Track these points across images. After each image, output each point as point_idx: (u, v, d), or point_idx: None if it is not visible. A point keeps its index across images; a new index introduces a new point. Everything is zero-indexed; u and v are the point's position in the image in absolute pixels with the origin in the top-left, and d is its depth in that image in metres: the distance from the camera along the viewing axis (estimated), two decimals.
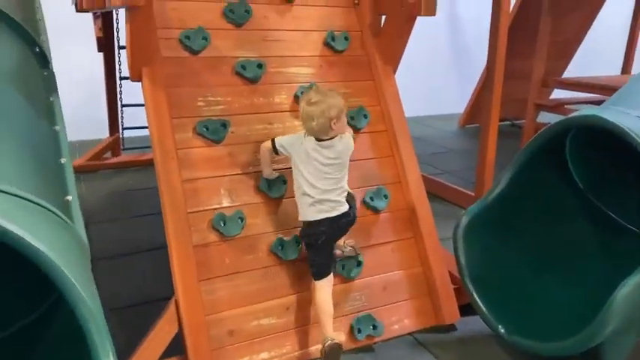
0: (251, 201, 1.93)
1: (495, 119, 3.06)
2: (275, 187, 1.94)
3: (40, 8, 2.15)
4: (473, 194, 3.32)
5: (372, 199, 2.07)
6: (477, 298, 1.97)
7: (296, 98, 2.10)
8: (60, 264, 0.95)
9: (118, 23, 3.38)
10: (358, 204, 2.05)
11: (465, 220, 2.04)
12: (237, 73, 2.03)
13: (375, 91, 2.28)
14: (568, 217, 2.14)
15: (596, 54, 6.28)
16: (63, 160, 1.48)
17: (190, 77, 1.96)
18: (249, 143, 1.99)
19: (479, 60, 5.87)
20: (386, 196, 2.11)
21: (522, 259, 2.06)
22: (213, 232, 1.82)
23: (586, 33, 5.51)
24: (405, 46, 2.25)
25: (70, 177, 1.44)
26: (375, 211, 2.08)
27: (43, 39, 1.87)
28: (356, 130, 2.16)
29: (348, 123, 2.14)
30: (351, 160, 2.11)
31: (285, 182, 1.95)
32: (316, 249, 1.82)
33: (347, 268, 1.95)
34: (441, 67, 6.26)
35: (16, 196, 1.07)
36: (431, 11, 2.04)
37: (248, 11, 2.10)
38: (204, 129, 1.91)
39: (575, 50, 5.64)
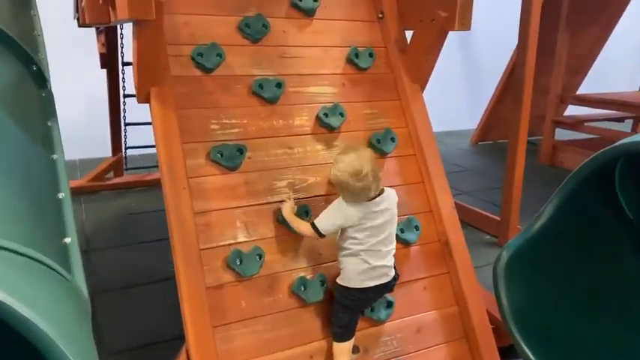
0: (269, 235, 1.73)
1: (523, 145, 2.93)
2: None
3: (39, 22, 1.97)
4: (498, 218, 3.14)
5: (402, 230, 1.88)
6: (522, 343, 1.76)
7: (318, 120, 1.92)
8: (57, 341, 0.76)
9: (122, 39, 3.22)
10: None
11: (505, 255, 1.83)
12: (254, 93, 1.86)
13: (402, 111, 2.10)
14: (619, 249, 1.94)
15: (609, 69, 6.15)
16: (61, 195, 1.29)
17: (203, 98, 1.79)
18: (268, 170, 1.81)
19: (490, 76, 5.75)
20: (417, 227, 1.92)
21: (571, 297, 1.86)
22: (228, 272, 1.62)
23: (601, 48, 5.37)
24: (434, 63, 2.08)
25: (69, 214, 1.25)
26: (406, 244, 1.89)
27: (41, 56, 1.69)
28: (383, 155, 1.98)
29: (374, 147, 1.97)
30: None
31: (307, 213, 1.76)
32: (354, 312, 1.67)
33: (376, 310, 1.75)
34: (451, 82, 6.11)
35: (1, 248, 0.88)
36: (466, 25, 1.87)
37: (265, 26, 1.92)
38: (219, 155, 1.73)
39: (590, 65, 5.49)
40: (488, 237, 3.22)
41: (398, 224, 1.88)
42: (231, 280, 1.62)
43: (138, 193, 3.83)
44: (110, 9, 1.68)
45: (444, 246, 1.95)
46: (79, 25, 2.72)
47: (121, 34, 3.22)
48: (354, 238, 1.61)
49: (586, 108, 5.00)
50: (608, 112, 5.02)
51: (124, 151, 3.72)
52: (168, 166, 1.64)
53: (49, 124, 1.49)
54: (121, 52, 3.29)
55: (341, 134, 1.95)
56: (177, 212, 1.61)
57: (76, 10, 2.58)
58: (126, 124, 3.58)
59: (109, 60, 3.49)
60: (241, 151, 1.77)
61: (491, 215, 3.24)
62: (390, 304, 1.78)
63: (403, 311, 1.81)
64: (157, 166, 3.71)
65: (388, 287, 1.69)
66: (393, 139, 2.01)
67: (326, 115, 1.92)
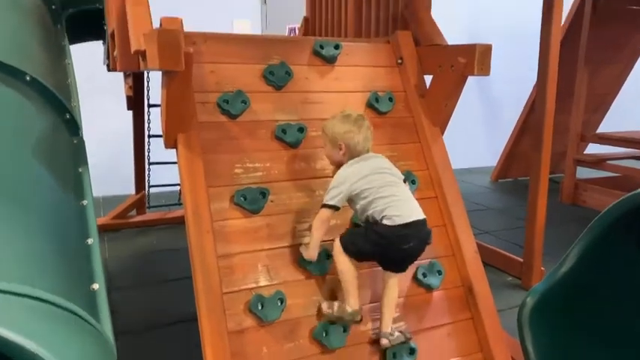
0: (291, 278, 1.74)
1: (544, 186, 2.92)
2: (318, 263, 1.75)
3: (72, 70, 2.07)
4: (521, 260, 3.08)
5: (424, 275, 1.87)
6: None
7: None
8: None
9: (148, 82, 3.33)
10: (409, 281, 1.85)
11: (530, 301, 1.79)
12: (277, 138, 1.90)
13: (422, 154, 2.12)
14: None
15: (630, 106, 6.12)
16: (90, 241, 1.32)
17: (228, 143, 1.83)
18: (289, 213, 1.83)
19: (508, 111, 5.77)
20: (440, 272, 1.90)
21: (601, 345, 1.80)
22: (250, 316, 1.62)
23: (622, 85, 5.36)
24: (454, 107, 2.10)
25: (97, 260, 1.28)
26: (429, 288, 1.87)
27: (74, 104, 1.77)
28: None
29: None
30: None
31: (328, 257, 1.77)
32: (376, 252, 1.65)
33: (399, 357, 1.72)
34: (469, 119, 6.14)
35: (27, 296, 0.90)
36: (485, 70, 1.90)
37: (289, 73, 1.98)
38: (242, 198, 1.76)
39: (610, 103, 5.48)
40: (510, 278, 3.16)
41: (419, 268, 1.88)
42: (253, 325, 1.62)
43: (160, 231, 3.88)
44: (140, 58, 1.74)
45: (467, 291, 1.92)
46: (109, 70, 2.83)
47: (148, 77, 3.34)
48: (368, 194, 1.62)
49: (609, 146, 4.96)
50: (630, 151, 4.97)
51: (147, 189, 3.80)
52: (194, 210, 1.66)
53: (80, 170, 1.54)
54: (147, 95, 3.40)
55: None
56: (201, 256, 1.63)
57: (107, 56, 2.69)
58: (150, 163, 3.66)
59: (136, 102, 3.60)
60: (264, 194, 1.79)
61: (513, 256, 3.19)
62: (412, 351, 1.75)
63: (427, 358, 1.78)
64: (178, 204, 3.78)
65: (424, 237, 1.66)
66: (414, 182, 2.02)
67: None
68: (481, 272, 1.95)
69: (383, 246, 1.62)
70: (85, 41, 2.92)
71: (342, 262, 1.65)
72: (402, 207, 1.62)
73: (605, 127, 5.46)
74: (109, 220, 3.86)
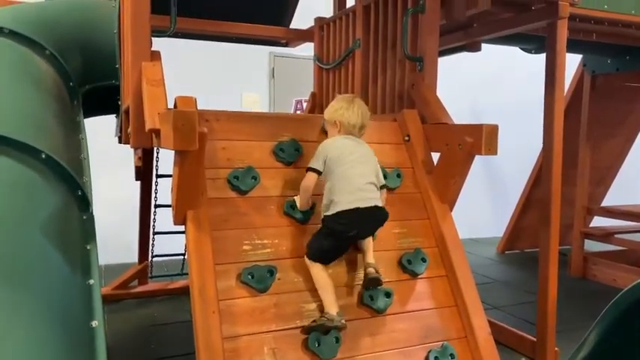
0: None
1: (554, 262, 2.89)
2: (327, 347, 1.69)
3: (86, 145, 2.11)
4: (533, 339, 2.98)
5: (437, 359, 1.79)
6: None
7: None
8: None
9: (158, 153, 3.38)
10: None
11: None
12: (286, 214, 1.90)
13: (431, 231, 2.10)
14: None
15: (632, 180, 6.17)
16: (94, 324, 1.29)
17: (237, 219, 1.83)
18: (297, 292, 1.79)
19: (512, 181, 5.80)
20: (452, 355, 1.83)
21: None
22: None
23: (624, 159, 5.43)
24: (462, 184, 2.11)
25: (101, 346, 1.25)
26: None
27: (85, 179, 1.79)
28: (414, 276, 1.96)
29: (405, 268, 1.96)
30: (410, 311, 1.91)
31: (337, 341, 1.71)
32: (338, 240, 1.77)
33: None
34: (473, 188, 6.15)
35: None
36: (493, 150, 1.92)
37: (298, 149, 2.01)
38: (249, 277, 1.72)
39: (613, 177, 5.51)
40: (524, 359, 3.04)
41: (432, 352, 1.81)
42: None
43: (161, 303, 3.79)
44: (154, 136, 1.78)
45: None
46: (120, 142, 2.88)
47: (157, 149, 3.39)
48: (334, 172, 1.77)
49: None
50: (637, 224, 4.94)
51: (150, 259, 3.75)
52: (200, 289, 1.63)
53: (88, 247, 1.53)
54: (156, 165, 3.44)
55: None
56: (206, 337, 1.57)
57: (119, 130, 2.75)
58: (155, 233, 3.64)
59: (144, 173, 3.64)
60: (272, 272, 1.76)
61: (525, 335, 3.08)
62: None
63: None
64: (180, 274, 3.70)
65: (377, 218, 1.81)
66: (424, 260, 1.99)
67: None
68: (495, 356, 1.87)
69: (342, 227, 1.74)
70: (98, 115, 3.00)
71: (315, 272, 1.75)
72: (350, 194, 1.75)
73: (609, 200, 5.47)
74: (110, 291, 3.78)
